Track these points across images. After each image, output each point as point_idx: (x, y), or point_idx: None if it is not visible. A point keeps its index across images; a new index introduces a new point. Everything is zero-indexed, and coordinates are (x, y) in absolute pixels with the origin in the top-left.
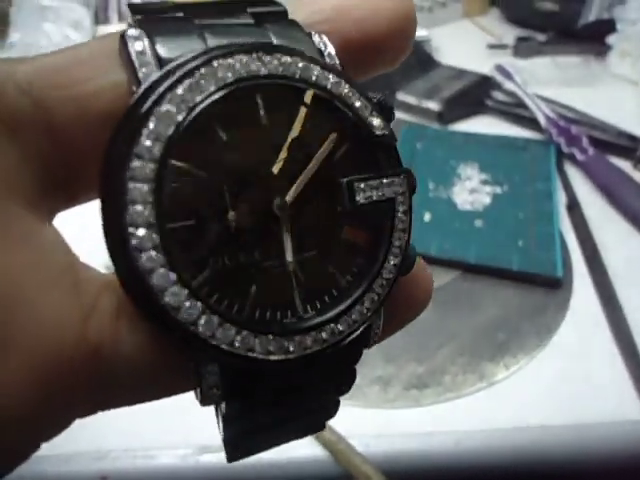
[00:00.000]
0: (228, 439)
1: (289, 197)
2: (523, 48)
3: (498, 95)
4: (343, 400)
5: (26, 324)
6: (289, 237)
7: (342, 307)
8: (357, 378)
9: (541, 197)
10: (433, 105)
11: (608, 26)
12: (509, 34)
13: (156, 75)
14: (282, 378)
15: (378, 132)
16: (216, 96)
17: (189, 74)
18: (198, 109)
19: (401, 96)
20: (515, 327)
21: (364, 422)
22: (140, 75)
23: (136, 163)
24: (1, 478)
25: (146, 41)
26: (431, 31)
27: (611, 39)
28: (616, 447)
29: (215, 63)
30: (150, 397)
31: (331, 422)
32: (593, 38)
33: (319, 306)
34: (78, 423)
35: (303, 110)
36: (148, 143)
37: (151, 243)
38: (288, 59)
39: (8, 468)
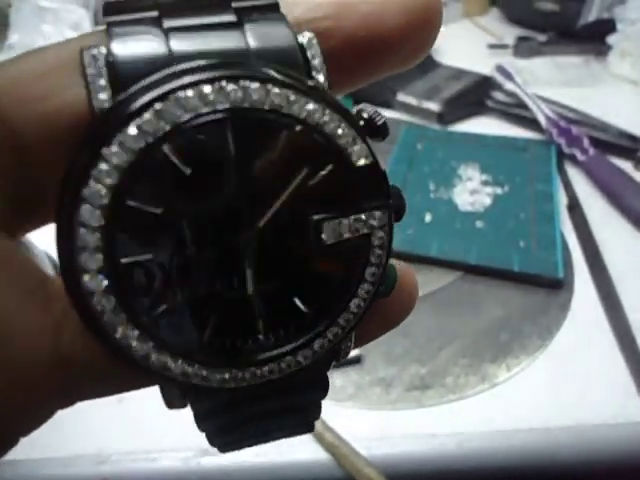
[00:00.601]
0: (205, 433)
1: (253, 231)
2: (523, 48)
3: (498, 95)
4: (344, 402)
5: (2, 342)
6: (251, 268)
7: (302, 340)
8: (359, 379)
9: (542, 198)
10: (433, 106)
11: (608, 26)
12: (509, 34)
13: (108, 105)
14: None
15: (359, 163)
16: (172, 130)
17: (143, 109)
18: (151, 145)
19: (401, 97)
20: (517, 328)
21: (366, 424)
22: (94, 102)
23: (85, 207)
24: None
25: (102, 54)
26: None
27: (611, 39)
28: (618, 448)
29: (172, 97)
30: (122, 391)
31: (332, 424)
32: (593, 38)
33: (282, 336)
34: (79, 426)
35: (273, 142)
36: (98, 187)
37: (101, 287)
38: (256, 85)
39: None
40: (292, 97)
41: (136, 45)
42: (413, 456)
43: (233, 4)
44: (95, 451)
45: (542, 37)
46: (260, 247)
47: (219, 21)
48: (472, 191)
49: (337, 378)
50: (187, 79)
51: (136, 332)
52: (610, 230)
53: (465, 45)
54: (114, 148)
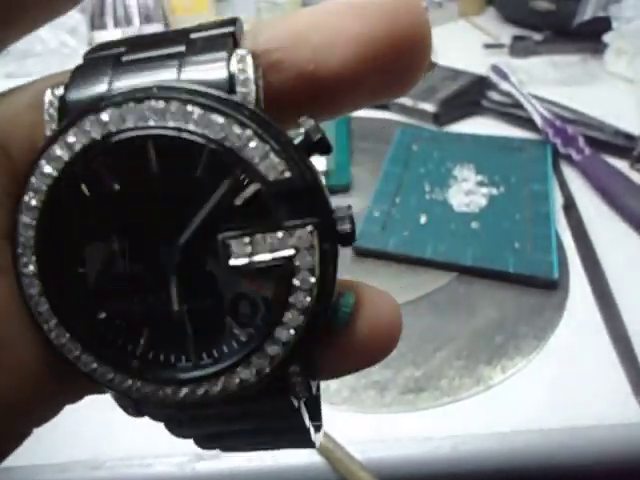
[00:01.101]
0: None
1: (174, 248)
2: (519, 47)
3: (494, 95)
4: (339, 405)
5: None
6: (175, 285)
7: (223, 366)
8: (353, 383)
9: (537, 198)
10: (428, 107)
11: (604, 24)
12: (505, 33)
13: (49, 134)
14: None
15: (272, 177)
16: (94, 145)
17: (64, 130)
18: (70, 164)
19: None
20: (512, 329)
21: (360, 427)
22: (47, 132)
23: (22, 218)
24: None
25: (59, 91)
26: None
27: (607, 37)
28: (614, 450)
29: (92, 117)
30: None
31: (327, 427)
32: (589, 37)
33: (215, 358)
34: (74, 432)
35: (190, 160)
36: (30, 201)
37: (41, 308)
38: (161, 105)
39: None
40: (197, 115)
41: (85, 87)
42: (408, 459)
43: (192, 35)
44: (90, 457)
45: (538, 36)
46: (185, 264)
47: (168, 53)
48: (467, 192)
49: (332, 382)
50: (104, 104)
51: (78, 344)
52: (606, 230)
53: (461, 45)
54: (43, 162)
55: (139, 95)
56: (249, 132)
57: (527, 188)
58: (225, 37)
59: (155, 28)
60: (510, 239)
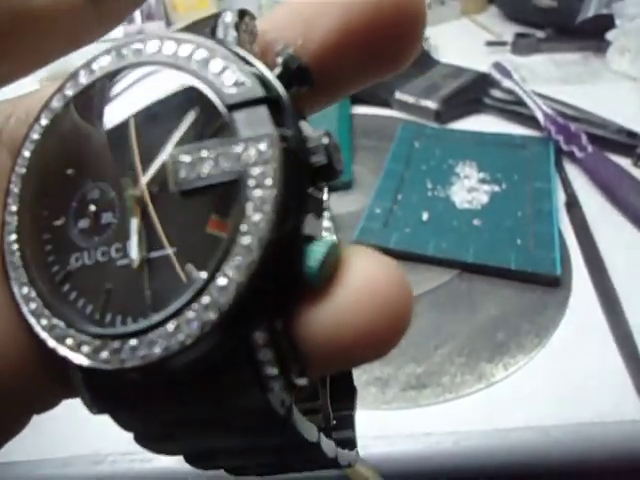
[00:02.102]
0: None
1: (137, 186)
2: (522, 45)
3: (496, 93)
4: None
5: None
6: (136, 232)
7: (163, 316)
8: (354, 379)
9: (540, 195)
10: (431, 104)
11: (607, 22)
12: (508, 31)
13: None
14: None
15: (231, 91)
16: (73, 96)
17: (62, 85)
18: (57, 111)
19: (399, 95)
20: (514, 327)
21: (362, 423)
22: None
23: (15, 171)
24: None
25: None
26: (429, 29)
27: (610, 35)
28: (615, 447)
29: (81, 71)
30: None
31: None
32: (592, 34)
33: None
34: (76, 427)
35: (157, 93)
36: (24, 152)
37: (14, 256)
38: (138, 46)
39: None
40: (182, 47)
41: None
42: (410, 455)
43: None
44: (91, 452)
45: (540, 34)
46: (155, 207)
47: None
48: (470, 189)
49: None
50: (96, 55)
51: (33, 294)
52: (608, 227)
53: (463, 43)
54: (44, 115)
55: (118, 44)
56: (212, 55)
57: (529, 185)
58: (216, 14)
59: (157, 25)
60: (512, 236)
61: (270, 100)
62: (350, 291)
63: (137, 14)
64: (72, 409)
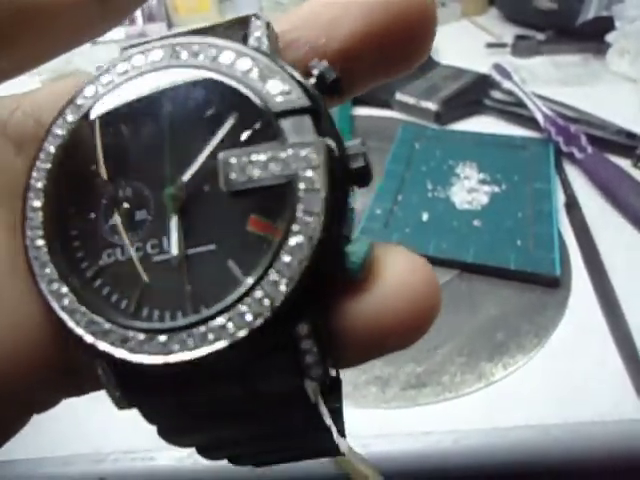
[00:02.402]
0: (160, 432)
1: (177, 185)
2: (522, 47)
3: (496, 94)
4: None
5: (9, 297)
6: (176, 229)
7: (218, 309)
8: (354, 378)
9: (540, 196)
10: (431, 105)
11: (607, 24)
12: (508, 33)
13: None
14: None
15: (278, 99)
16: (106, 95)
17: (91, 81)
18: (88, 109)
19: (399, 96)
20: (513, 326)
21: (362, 422)
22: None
23: (37, 166)
24: None
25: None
26: None
27: (610, 37)
28: (614, 446)
29: (111, 70)
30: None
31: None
32: (592, 36)
33: (213, 303)
34: (77, 425)
35: (198, 97)
36: (49, 147)
37: (41, 252)
38: (172, 49)
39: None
40: (217, 53)
41: None
42: (410, 453)
43: (217, 28)
44: (93, 450)
45: (541, 36)
46: (193, 205)
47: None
48: (470, 190)
49: None
50: (123, 55)
51: (65, 290)
52: (608, 228)
53: (463, 44)
54: (71, 108)
55: (147, 47)
56: (254, 63)
57: (529, 186)
58: (243, 19)
59: (158, 27)
60: (512, 237)
61: (313, 110)
62: (388, 285)
63: (138, 15)
64: (73, 408)
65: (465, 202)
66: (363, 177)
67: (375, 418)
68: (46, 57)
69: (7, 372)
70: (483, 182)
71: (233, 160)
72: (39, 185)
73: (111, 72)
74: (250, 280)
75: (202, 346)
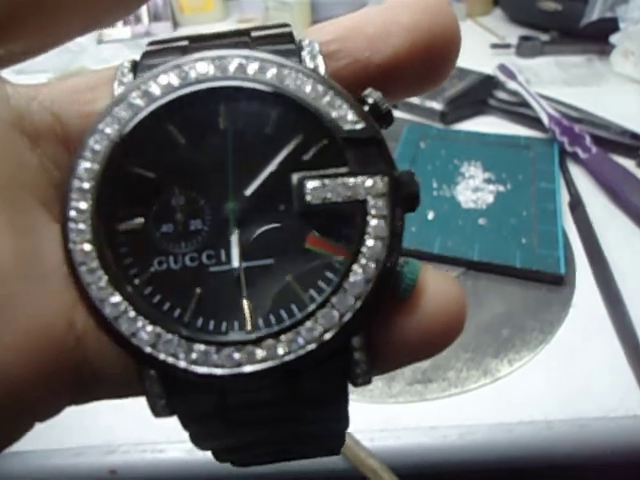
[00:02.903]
0: (193, 439)
1: (241, 199)
2: (526, 48)
3: (501, 94)
4: None
5: (21, 303)
6: (237, 242)
7: (288, 324)
8: None
9: (544, 196)
10: (436, 105)
11: (611, 25)
12: (512, 34)
13: (121, 90)
14: (231, 396)
15: (347, 127)
16: (166, 99)
17: (146, 81)
18: (146, 111)
19: None
20: (519, 323)
21: (369, 417)
22: (115, 94)
23: (82, 165)
24: None
25: (130, 67)
26: None
27: (614, 38)
28: (619, 442)
29: (172, 73)
30: (129, 394)
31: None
32: (596, 37)
33: (273, 321)
34: (88, 417)
35: (265, 116)
36: (95, 145)
37: (89, 257)
38: (254, 65)
39: (2, 444)
40: (285, 72)
41: (158, 59)
42: (416, 448)
43: (252, 33)
44: (104, 442)
45: (545, 37)
46: (252, 219)
47: (234, 41)
48: (475, 189)
49: None
50: (187, 59)
51: (124, 301)
52: (612, 227)
53: (468, 45)
54: (123, 107)
55: (215, 55)
56: (322, 88)
57: (534, 186)
58: (286, 34)
59: (164, 26)
60: (517, 235)
61: (378, 139)
62: (431, 303)
63: (144, 15)
64: None
65: (470, 201)
66: (415, 202)
67: (382, 413)
68: (59, 41)
69: (17, 377)
70: (488, 181)
71: (308, 183)
72: (86, 186)
73: (166, 76)
74: (319, 297)
75: (269, 359)
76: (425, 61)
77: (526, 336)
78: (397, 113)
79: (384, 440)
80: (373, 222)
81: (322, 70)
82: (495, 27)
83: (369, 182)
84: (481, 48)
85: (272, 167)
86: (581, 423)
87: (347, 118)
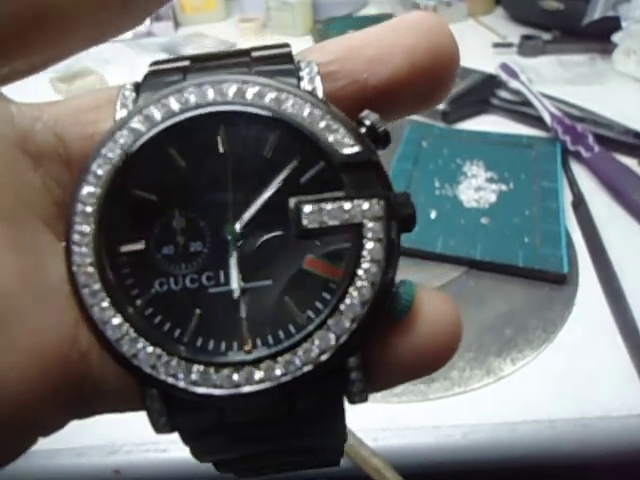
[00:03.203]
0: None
1: (240, 222)
2: (528, 47)
3: (503, 94)
4: None
5: (26, 319)
6: (237, 263)
7: (286, 345)
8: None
9: (547, 195)
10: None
11: (613, 24)
12: (514, 33)
13: (123, 113)
14: (230, 413)
15: (344, 150)
16: (167, 124)
17: (147, 106)
18: (147, 136)
19: None
20: (521, 323)
21: (372, 416)
22: (116, 117)
23: (85, 189)
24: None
25: (132, 88)
26: None
27: (616, 37)
28: (621, 441)
29: (172, 97)
30: (130, 408)
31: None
32: (598, 36)
33: (271, 342)
34: (91, 418)
35: (263, 140)
36: (97, 170)
37: (91, 279)
38: (254, 89)
39: (7, 459)
40: (283, 97)
41: (160, 79)
42: (419, 447)
43: (253, 53)
44: (107, 442)
45: (546, 36)
46: (250, 241)
47: (235, 62)
48: (477, 188)
49: None
50: (188, 83)
51: (125, 323)
52: (615, 227)
53: (470, 44)
54: (124, 132)
55: (214, 79)
56: (319, 112)
57: (536, 185)
58: (285, 55)
59: (165, 26)
60: (520, 234)
61: (374, 163)
62: (427, 323)
63: None
64: None
65: (473, 200)
66: (411, 223)
67: (385, 412)
68: (62, 57)
69: (22, 393)
70: (490, 180)
71: (305, 207)
72: (88, 209)
73: (166, 100)
74: (316, 319)
75: (267, 380)
76: (423, 83)
77: (529, 335)
78: None
79: (387, 439)
80: (369, 245)
81: (320, 92)
82: (497, 26)
83: (365, 205)
84: (483, 47)
85: (270, 190)
86: (584, 422)
87: (344, 142)
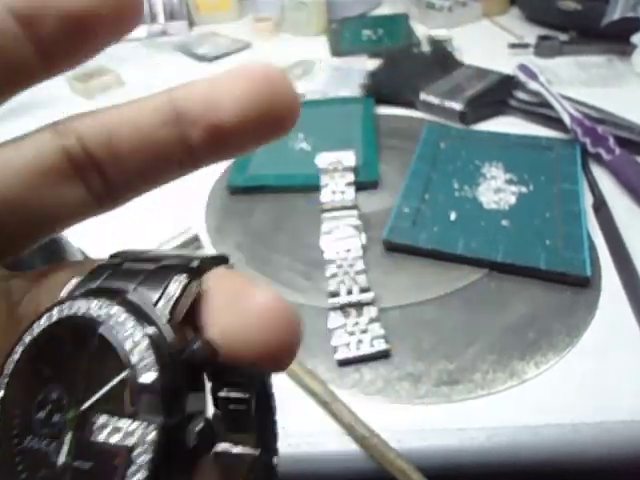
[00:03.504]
0: None
1: (74, 410)
2: (545, 47)
3: (521, 95)
4: (373, 396)
5: None
6: (69, 441)
7: None
8: (387, 374)
9: (568, 197)
10: (456, 105)
11: (633, 25)
12: (530, 33)
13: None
14: None
15: (142, 376)
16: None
17: (49, 309)
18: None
19: (424, 96)
20: (545, 326)
21: (396, 418)
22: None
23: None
24: None
25: (74, 282)
26: (452, 31)
27: (635, 38)
28: None
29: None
30: None
31: (362, 416)
32: (617, 37)
33: None
34: None
35: (90, 346)
36: (25, 339)
37: None
38: (86, 301)
39: None
40: (106, 308)
41: (83, 286)
42: (444, 449)
43: (163, 261)
44: None
45: (563, 36)
46: (78, 431)
47: (141, 268)
48: (496, 190)
49: (366, 373)
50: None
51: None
52: (637, 229)
53: (486, 45)
54: (44, 317)
55: (87, 291)
56: (140, 336)
57: (557, 187)
58: (179, 269)
59: (179, 25)
60: (541, 236)
61: (166, 390)
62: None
63: (160, 13)
64: None
65: (492, 202)
66: (204, 449)
67: (408, 414)
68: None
69: None
70: (510, 182)
71: (97, 419)
72: (6, 371)
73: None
74: None
75: None
76: (264, 121)
77: (552, 339)
78: (416, 113)
79: (412, 442)
80: (130, 475)
81: (167, 312)
82: (512, 26)
83: (139, 430)
84: (499, 48)
85: (98, 394)
86: (608, 427)
87: (141, 358)
